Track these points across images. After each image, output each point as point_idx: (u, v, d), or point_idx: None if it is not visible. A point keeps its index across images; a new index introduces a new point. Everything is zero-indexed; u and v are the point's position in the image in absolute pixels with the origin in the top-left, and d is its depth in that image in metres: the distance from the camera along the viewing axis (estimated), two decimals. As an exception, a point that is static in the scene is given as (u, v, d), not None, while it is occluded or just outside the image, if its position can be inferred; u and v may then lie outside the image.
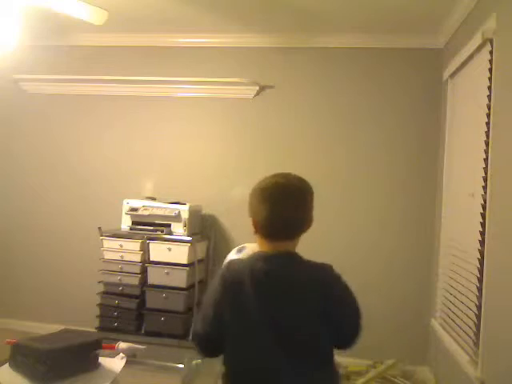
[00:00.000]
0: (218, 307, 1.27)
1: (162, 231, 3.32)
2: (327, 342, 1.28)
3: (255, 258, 1.31)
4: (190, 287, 3.28)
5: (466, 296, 2.50)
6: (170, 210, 3.33)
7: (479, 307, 2.25)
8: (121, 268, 3.34)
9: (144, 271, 3.34)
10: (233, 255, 1.65)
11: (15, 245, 3.92)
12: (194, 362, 1.64)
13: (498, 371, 1.98)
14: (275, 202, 1.29)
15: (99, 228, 3.40)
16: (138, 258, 3.33)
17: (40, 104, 3.92)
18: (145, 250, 3.34)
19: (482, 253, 2.27)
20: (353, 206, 3.48)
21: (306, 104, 3.58)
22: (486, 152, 2.27)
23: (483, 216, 2.25)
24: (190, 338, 1.45)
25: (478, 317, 2.25)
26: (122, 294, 3.33)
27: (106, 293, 3.37)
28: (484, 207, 2.25)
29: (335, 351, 1.31)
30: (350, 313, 1.31)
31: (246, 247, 1.63)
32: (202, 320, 1.32)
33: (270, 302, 1.25)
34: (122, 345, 1.76)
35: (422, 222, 3.40)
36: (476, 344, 2.26)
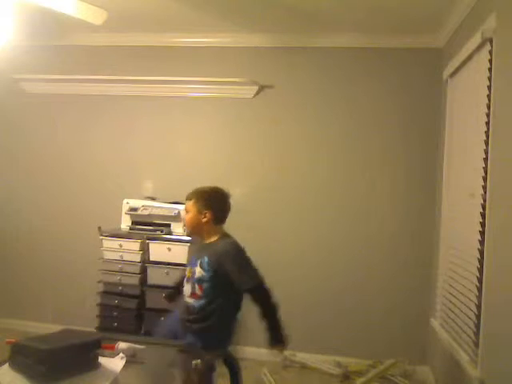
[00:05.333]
0: None
1: (162, 231, 3.32)
2: None
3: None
4: (190, 287, 3.27)
5: (466, 296, 2.50)
6: (169, 209, 3.33)
7: (479, 307, 2.25)
8: (120, 268, 3.34)
9: (144, 271, 3.34)
10: None
11: (15, 245, 3.91)
12: (193, 362, 1.64)
13: (498, 371, 1.98)
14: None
15: (99, 228, 3.40)
16: (137, 257, 3.33)
17: (40, 104, 3.92)
18: (144, 249, 3.34)
19: (481, 253, 2.27)
20: (352, 206, 3.48)
21: (306, 104, 3.57)
22: (486, 152, 2.27)
23: (483, 216, 2.25)
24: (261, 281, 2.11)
25: (478, 317, 2.25)
26: (121, 294, 3.33)
27: (105, 293, 3.37)
28: (484, 207, 2.25)
29: None
30: None
31: None
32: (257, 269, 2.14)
33: None
34: (122, 345, 1.75)
35: (421, 222, 3.40)
36: (476, 344, 2.26)
